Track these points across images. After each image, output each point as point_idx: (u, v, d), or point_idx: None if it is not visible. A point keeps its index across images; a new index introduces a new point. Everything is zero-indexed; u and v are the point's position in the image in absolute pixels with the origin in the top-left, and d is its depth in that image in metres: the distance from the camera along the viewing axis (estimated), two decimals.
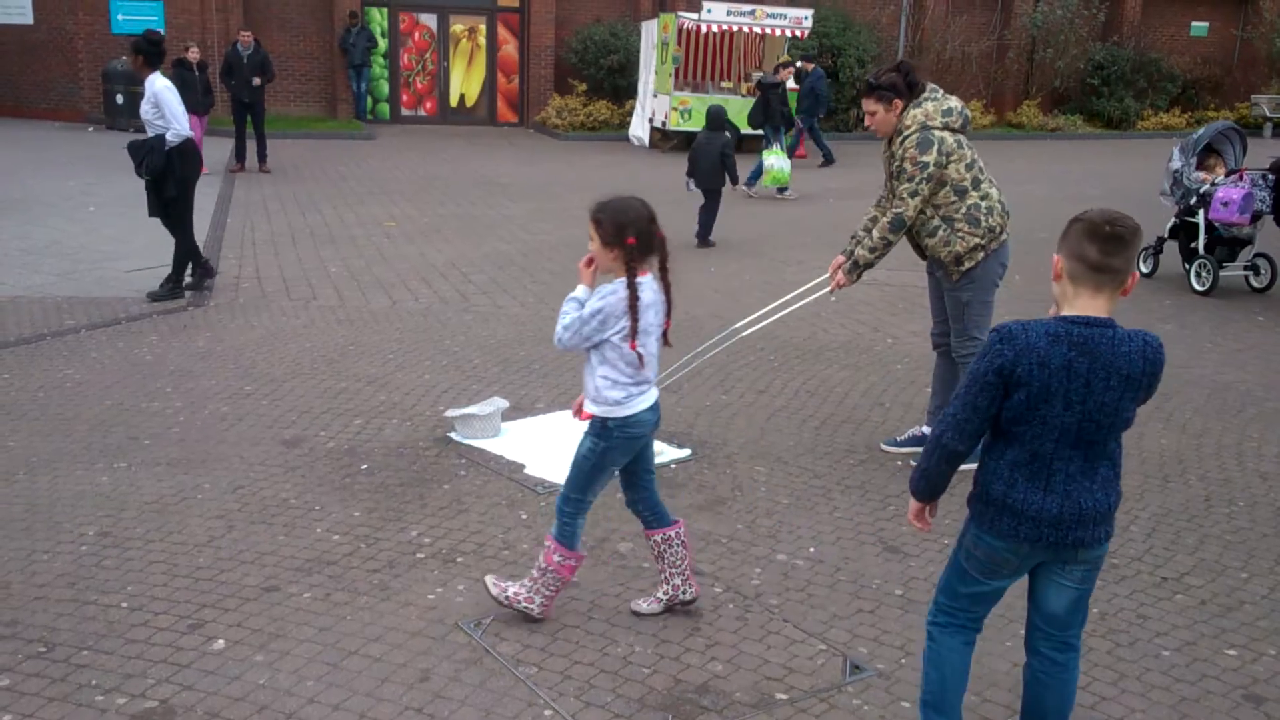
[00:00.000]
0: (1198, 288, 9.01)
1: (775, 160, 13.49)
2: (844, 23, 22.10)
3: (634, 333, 3.32)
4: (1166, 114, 25.83)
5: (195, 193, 8.02)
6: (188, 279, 8.07)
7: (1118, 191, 14.17)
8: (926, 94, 4.80)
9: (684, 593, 3.64)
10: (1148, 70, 25.38)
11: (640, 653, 3.45)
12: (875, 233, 4.90)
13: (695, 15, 18.91)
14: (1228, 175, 9.11)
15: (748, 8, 18.95)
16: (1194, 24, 27.56)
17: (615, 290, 3.33)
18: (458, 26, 22.95)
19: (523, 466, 4.93)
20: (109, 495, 4.54)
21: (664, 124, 19.03)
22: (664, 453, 5.10)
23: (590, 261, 3.41)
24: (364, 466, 4.92)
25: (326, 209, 12.11)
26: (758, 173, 13.80)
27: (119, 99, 18.79)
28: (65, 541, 4.11)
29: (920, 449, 5.07)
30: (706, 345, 5.67)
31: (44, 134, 18.44)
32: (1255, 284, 9.17)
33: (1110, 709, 3.24)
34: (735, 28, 19.32)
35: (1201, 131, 9.50)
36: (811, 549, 4.22)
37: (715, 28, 19.10)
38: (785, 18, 19.27)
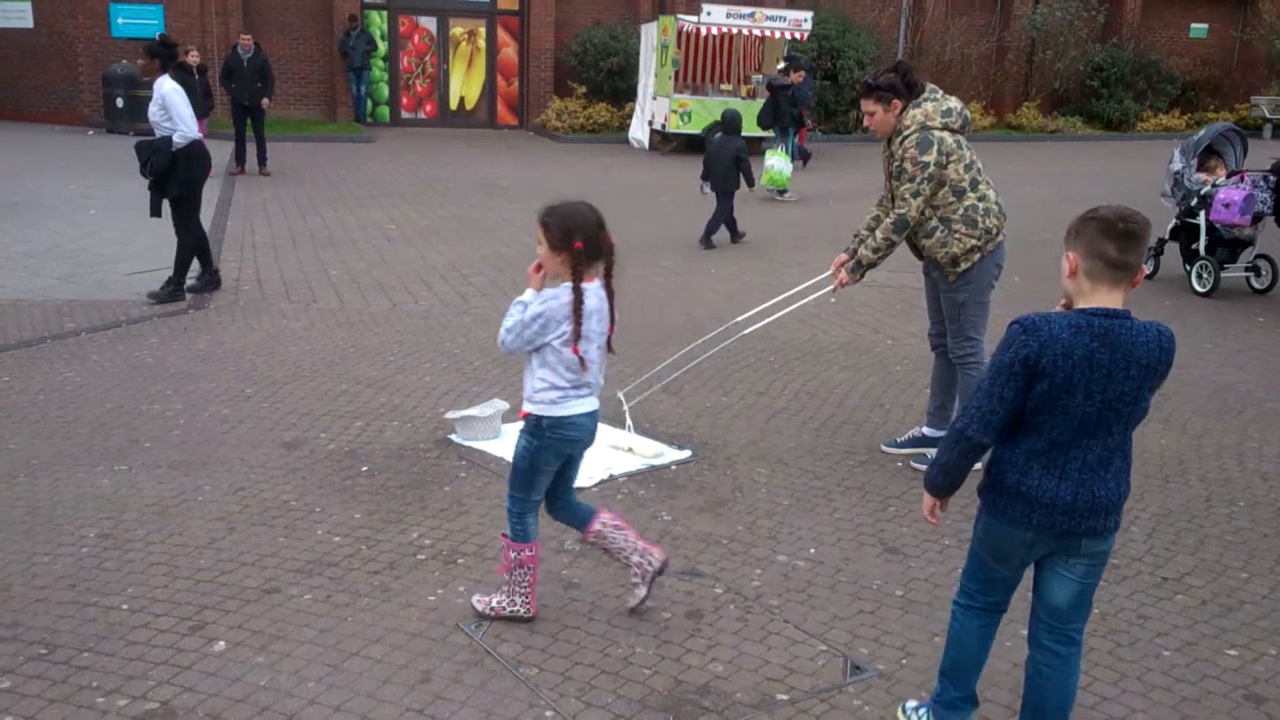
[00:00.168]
0: (1199, 289, 9.01)
1: (775, 161, 13.51)
2: (843, 25, 22.11)
3: (576, 336, 3.31)
4: (1166, 115, 25.84)
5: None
6: (191, 281, 8.08)
7: (1118, 193, 14.17)
8: (926, 94, 4.80)
9: (650, 562, 3.61)
10: (1147, 72, 25.41)
11: (641, 653, 3.45)
12: (879, 233, 4.90)
13: (695, 18, 18.92)
14: (1229, 177, 9.12)
15: (747, 10, 18.97)
16: (1193, 25, 27.57)
17: (558, 295, 3.32)
18: (457, 29, 22.97)
19: None
20: (110, 497, 4.54)
21: (664, 126, 19.04)
22: (664, 454, 5.11)
23: (539, 266, 3.40)
24: (364, 468, 4.92)
25: (327, 212, 12.12)
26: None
27: (119, 102, 18.82)
28: (66, 544, 4.11)
29: (920, 450, 5.12)
30: (706, 339, 5.69)
31: (44, 137, 18.45)
32: (1256, 285, 9.17)
33: (1111, 709, 3.24)
34: (735, 30, 19.33)
35: (1202, 133, 9.49)
36: (812, 550, 4.22)
37: (715, 30, 19.11)
38: (785, 20, 19.29)
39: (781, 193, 13.95)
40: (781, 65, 16.32)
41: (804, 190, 14.57)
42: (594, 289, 3.36)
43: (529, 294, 3.39)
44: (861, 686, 3.32)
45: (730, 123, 11.20)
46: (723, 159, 10.76)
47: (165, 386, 5.99)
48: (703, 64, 20.32)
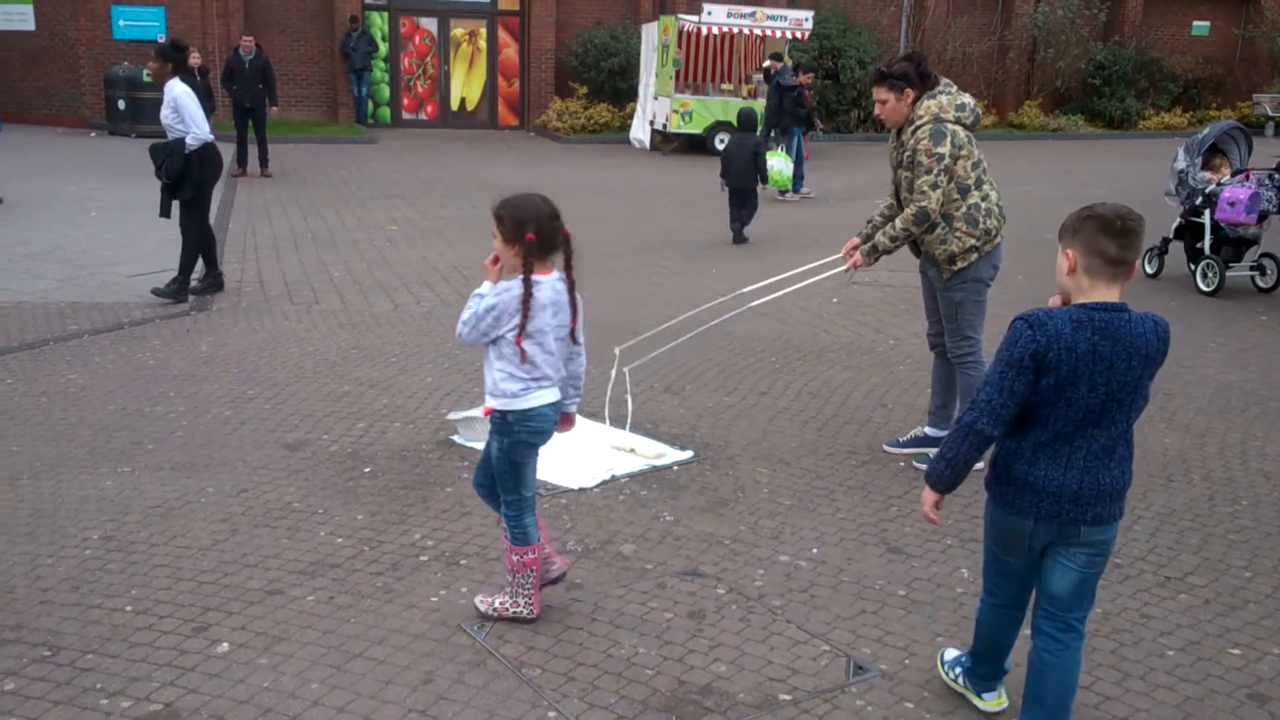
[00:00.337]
0: (1204, 288, 8.99)
1: (775, 162, 13.50)
2: (844, 24, 22.10)
3: (521, 329, 3.32)
4: (1168, 114, 25.80)
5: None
6: (194, 283, 8.09)
7: (1120, 192, 14.14)
8: (941, 88, 4.80)
9: (548, 570, 3.67)
10: (1149, 70, 25.36)
11: (644, 654, 3.45)
12: (899, 222, 4.86)
13: (695, 17, 18.92)
14: (1234, 175, 9.09)
15: (748, 10, 18.97)
16: (1195, 23, 27.53)
17: (510, 287, 3.32)
18: (458, 30, 22.97)
19: None
20: (113, 499, 4.54)
21: (665, 126, 19.03)
22: (666, 454, 5.11)
23: (496, 259, 3.39)
24: (367, 469, 4.93)
25: (328, 213, 12.12)
26: (800, 175, 14.24)
27: (120, 104, 18.84)
28: (69, 546, 4.12)
29: (923, 450, 5.12)
30: (710, 306, 5.72)
31: (46, 139, 18.46)
32: (1261, 284, 9.13)
33: (1114, 708, 3.24)
34: (735, 30, 19.32)
35: (1206, 131, 9.47)
36: (814, 550, 4.22)
37: (715, 30, 19.11)
38: (785, 19, 19.27)
39: (783, 193, 13.96)
40: (767, 63, 16.33)
41: (810, 189, 14.56)
42: (549, 281, 3.35)
43: (485, 286, 3.40)
44: (864, 687, 3.32)
45: (746, 120, 11.47)
46: (741, 156, 10.92)
47: (168, 388, 6.00)
48: (704, 64, 20.31)
